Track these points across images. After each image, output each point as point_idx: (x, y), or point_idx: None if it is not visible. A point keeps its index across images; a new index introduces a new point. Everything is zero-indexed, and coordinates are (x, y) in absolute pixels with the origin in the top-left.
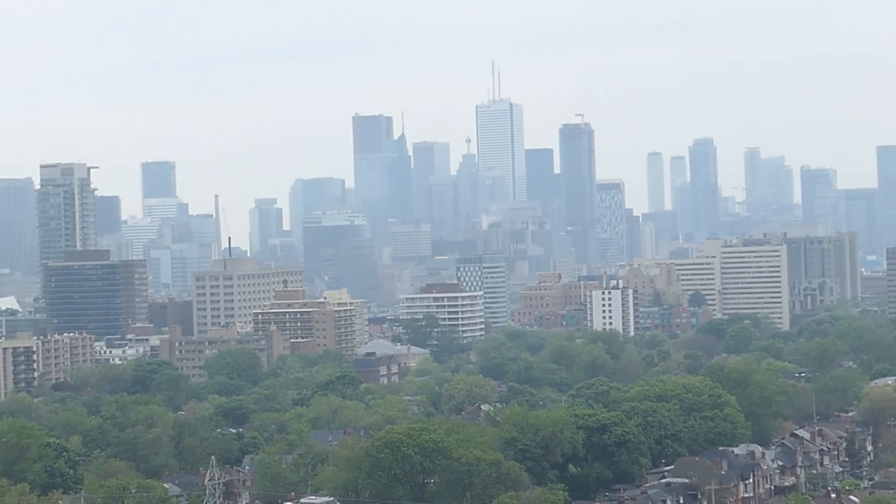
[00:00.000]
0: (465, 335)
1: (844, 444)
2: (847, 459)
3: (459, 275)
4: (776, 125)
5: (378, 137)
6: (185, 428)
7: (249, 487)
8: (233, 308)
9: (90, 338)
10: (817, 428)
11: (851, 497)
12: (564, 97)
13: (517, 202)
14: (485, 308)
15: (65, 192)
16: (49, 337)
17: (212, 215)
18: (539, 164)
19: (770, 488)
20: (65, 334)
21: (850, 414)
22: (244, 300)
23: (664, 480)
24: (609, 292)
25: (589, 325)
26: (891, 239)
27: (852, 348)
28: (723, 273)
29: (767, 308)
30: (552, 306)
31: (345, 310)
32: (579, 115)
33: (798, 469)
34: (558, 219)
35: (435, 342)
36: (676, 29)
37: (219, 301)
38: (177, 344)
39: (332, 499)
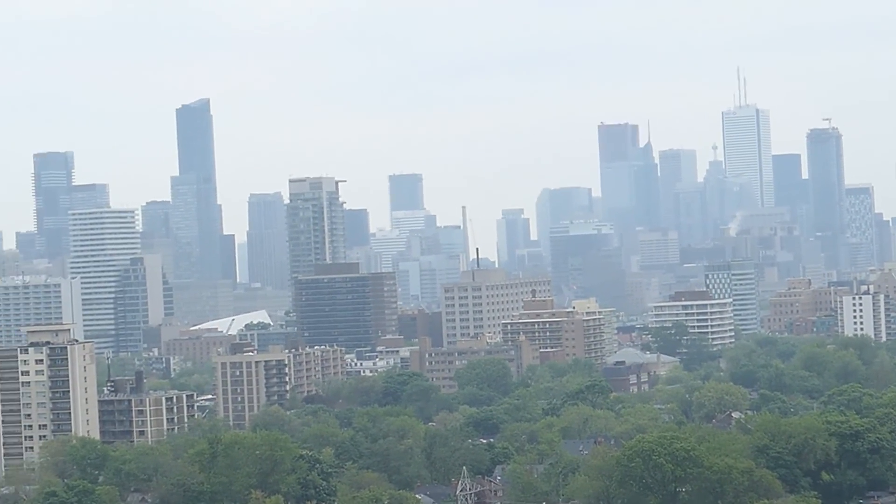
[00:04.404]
0: (714, 343)
1: None
2: None
3: (708, 282)
4: None
5: (624, 145)
6: (437, 439)
7: (501, 497)
8: (482, 319)
9: (341, 350)
10: None
11: None
12: (811, 101)
13: (765, 208)
14: (734, 315)
15: (314, 205)
16: (300, 350)
17: (459, 227)
18: (787, 170)
19: None
20: (316, 347)
21: None
22: (493, 311)
23: None
24: (860, 297)
25: (840, 330)
26: None
27: None
28: None
29: None
30: (802, 312)
31: (593, 319)
32: (826, 119)
33: None
34: (807, 224)
35: (684, 350)
36: None
37: (468, 312)
38: (427, 355)
39: None
